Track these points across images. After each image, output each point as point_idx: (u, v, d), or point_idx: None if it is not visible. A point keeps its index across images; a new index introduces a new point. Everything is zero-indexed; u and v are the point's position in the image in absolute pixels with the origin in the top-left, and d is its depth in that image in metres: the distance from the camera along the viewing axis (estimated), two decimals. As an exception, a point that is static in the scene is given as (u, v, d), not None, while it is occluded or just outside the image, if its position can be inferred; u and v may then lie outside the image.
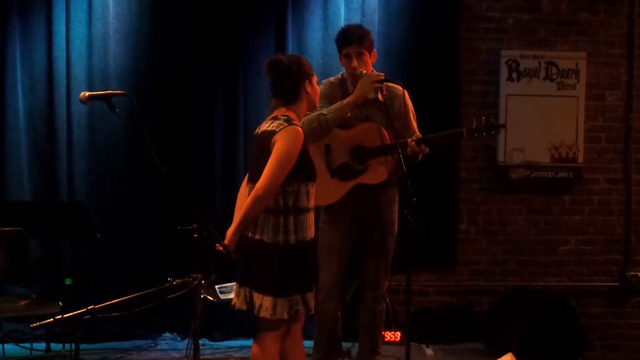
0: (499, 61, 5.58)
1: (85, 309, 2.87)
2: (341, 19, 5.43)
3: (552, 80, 5.57)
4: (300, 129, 3.40)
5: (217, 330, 5.38)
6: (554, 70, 5.56)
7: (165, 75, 5.40)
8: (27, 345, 4.88)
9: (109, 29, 5.37)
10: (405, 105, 4.21)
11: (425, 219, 5.03)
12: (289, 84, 3.47)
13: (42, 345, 4.88)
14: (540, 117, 5.56)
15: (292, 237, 3.40)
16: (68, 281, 4.80)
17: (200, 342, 5.09)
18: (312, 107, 3.66)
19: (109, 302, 2.95)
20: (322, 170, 4.08)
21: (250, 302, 3.42)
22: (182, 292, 3.27)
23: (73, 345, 3.96)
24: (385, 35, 5.53)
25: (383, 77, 4.05)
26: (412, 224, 3.75)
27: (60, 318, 2.83)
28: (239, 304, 3.47)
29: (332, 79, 4.27)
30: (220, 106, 5.45)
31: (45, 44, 5.36)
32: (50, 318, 2.70)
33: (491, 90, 5.64)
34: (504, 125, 4.80)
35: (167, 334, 5.41)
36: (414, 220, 3.75)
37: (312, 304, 3.50)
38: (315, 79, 3.56)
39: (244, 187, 3.63)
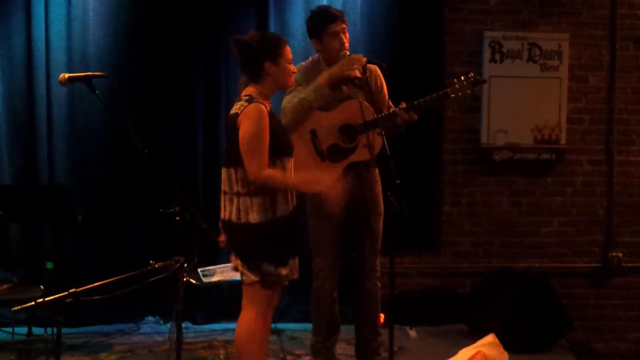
0: (482, 42, 5.56)
1: (66, 292, 2.85)
2: (323, 1, 5.39)
3: (535, 61, 5.56)
4: (261, 105, 3.40)
5: (200, 313, 5.37)
6: (537, 52, 5.56)
7: (145, 56, 5.35)
8: (9, 329, 4.83)
9: (89, 9, 5.31)
10: (381, 80, 4.20)
11: (409, 202, 5.12)
12: (249, 62, 3.48)
13: (24, 330, 4.84)
14: (523, 99, 5.55)
15: (278, 212, 3.44)
16: (49, 265, 4.75)
17: (183, 325, 5.13)
18: (281, 87, 3.62)
19: (90, 286, 2.93)
20: (312, 155, 4.06)
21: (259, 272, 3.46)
22: (164, 274, 3.25)
23: (55, 330, 3.92)
24: (367, 17, 5.51)
25: (366, 61, 4.02)
26: (396, 206, 3.75)
27: (41, 301, 2.82)
28: (248, 279, 3.49)
29: (304, 63, 4.19)
30: (201, 87, 5.42)
31: (24, 25, 5.28)
32: (31, 302, 2.69)
33: (474, 71, 5.51)
34: (485, 81, 4.71)
35: (150, 318, 5.40)
36: (397, 203, 3.75)
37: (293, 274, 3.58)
38: (285, 58, 3.50)
39: None
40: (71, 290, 2.85)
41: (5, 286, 4.30)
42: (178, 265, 3.25)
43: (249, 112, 3.38)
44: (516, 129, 5.58)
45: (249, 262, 3.45)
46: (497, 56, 5.56)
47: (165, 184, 3.42)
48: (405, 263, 5.57)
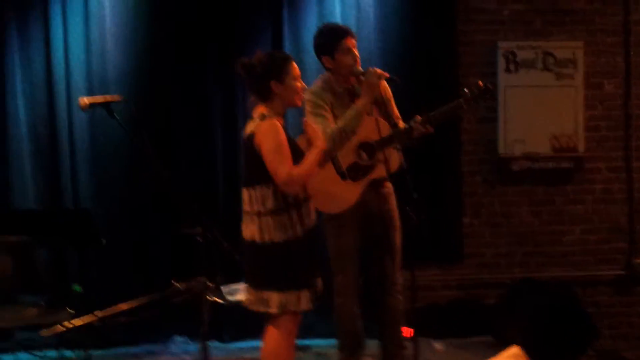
0: (496, 53, 5.59)
1: (94, 316, 2.90)
2: (337, 16, 5.44)
3: (550, 70, 5.57)
4: (275, 120, 3.42)
5: (227, 331, 5.39)
6: (552, 61, 5.57)
7: (163, 76, 5.42)
8: (40, 353, 4.87)
9: (106, 33, 5.40)
10: (387, 92, 4.21)
11: (427, 214, 5.13)
12: (255, 82, 3.51)
13: (53, 353, 4.89)
14: (539, 108, 5.56)
15: (298, 230, 3.44)
16: (77, 288, 4.81)
17: (211, 344, 5.16)
18: (290, 105, 3.58)
19: (115, 309, 2.99)
20: (332, 175, 4.07)
21: (267, 302, 3.44)
22: (187, 295, 3.30)
23: (84, 352, 4.00)
24: (381, 32, 5.54)
25: (388, 76, 4.00)
26: (415, 220, 3.76)
27: (69, 326, 2.87)
28: (256, 306, 3.49)
29: (314, 87, 4.13)
30: (220, 108, 5.48)
31: (44, 51, 5.39)
32: (59, 325, 2.74)
33: (489, 82, 5.55)
34: (494, 89, 4.73)
35: (178, 337, 5.42)
36: (416, 216, 3.76)
37: (313, 295, 3.54)
38: (290, 76, 3.50)
39: None
40: (98, 314, 2.90)
41: (33, 310, 4.35)
42: (200, 285, 3.29)
43: (264, 129, 3.41)
44: (533, 139, 5.58)
45: (269, 285, 3.45)
46: (512, 66, 5.58)
47: (186, 204, 3.47)
48: (428, 276, 5.55)
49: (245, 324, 5.33)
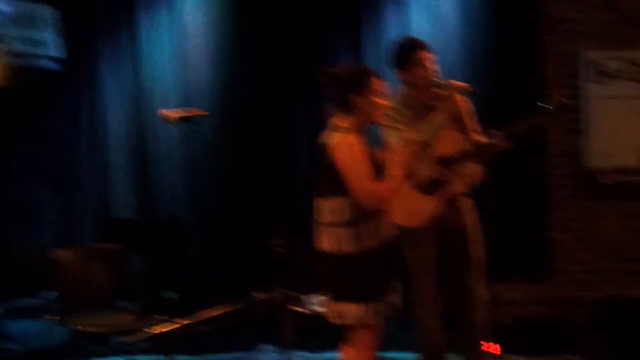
0: (581, 63, 5.50)
1: (175, 324, 3.04)
2: (417, 26, 5.48)
3: (636, 80, 5.44)
4: (345, 135, 3.40)
5: (315, 341, 5.46)
6: (638, 70, 5.44)
7: (246, 89, 5.61)
8: (134, 358, 5.06)
9: (192, 47, 5.67)
10: (467, 106, 4.18)
11: (512, 229, 5.11)
12: (335, 93, 3.49)
13: (145, 358, 5.09)
14: (627, 119, 5.43)
15: (370, 243, 3.43)
16: (171, 295, 5.02)
17: (299, 353, 5.25)
18: (369, 120, 3.55)
19: (197, 317, 3.12)
20: (409, 189, 4.06)
21: (341, 314, 3.47)
22: (267, 305, 3.37)
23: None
24: (463, 43, 5.55)
25: (468, 87, 4.01)
26: (496, 234, 3.75)
27: (158, 332, 3.03)
28: (332, 318, 3.52)
29: (391, 102, 4.02)
30: (304, 117, 5.62)
31: (134, 65, 5.72)
32: (152, 331, 2.87)
33: (574, 93, 5.53)
34: (571, 103, 4.63)
35: (267, 346, 5.53)
36: (497, 231, 3.75)
37: (390, 307, 3.55)
38: (372, 91, 3.48)
39: None
40: (181, 322, 3.03)
41: (127, 316, 4.56)
42: (280, 296, 3.35)
43: (338, 144, 3.40)
44: (621, 151, 5.45)
45: (342, 297, 3.46)
46: (597, 77, 5.48)
47: (268, 215, 3.56)
48: (516, 291, 5.47)
49: (333, 334, 5.41)
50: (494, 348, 5.02)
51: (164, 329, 3.36)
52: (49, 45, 5.57)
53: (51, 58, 5.60)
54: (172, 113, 3.64)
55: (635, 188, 5.50)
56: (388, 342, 5.25)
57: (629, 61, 5.48)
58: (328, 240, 3.47)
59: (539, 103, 4.03)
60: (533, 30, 5.59)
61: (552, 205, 5.58)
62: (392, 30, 5.53)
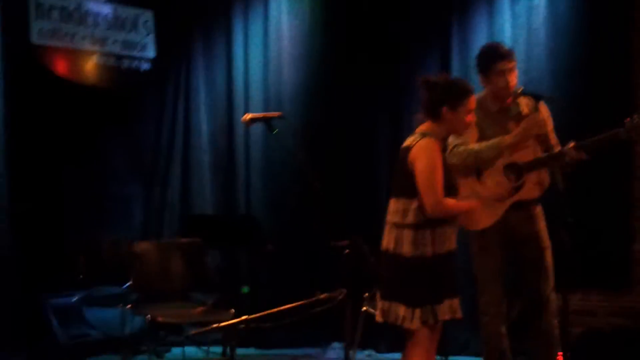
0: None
1: (238, 319, 3.14)
2: (507, 36, 5.40)
3: None
4: (433, 140, 3.45)
5: (382, 341, 5.51)
6: None
7: (333, 93, 5.67)
8: (205, 348, 5.26)
9: (283, 52, 5.78)
10: (544, 116, 4.11)
11: (593, 238, 4.99)
12: (430, 102, 3.54)
13: (218, 349, 5.26)
14: None
15: (428, 250, 3.45)
16: (245, 289, 5.15)
17: (367, 353, 5.34)
18: (454, 133, 3.67)
19: (266, 313, 3.21)
20: (476, 193, 4.09)
21: (390, 314, 3.51)
22: (328, 305, 3.44)
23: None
24: (552, 51, 5.40)
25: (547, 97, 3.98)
26: (569, 244, 3.70)
27: (227, 325, 3.14)
28: (384, 316, 3.55)
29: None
30: (385, 124, 5.67)
31: (226, 67, 5.86)
32: (222, 324, 2.98)
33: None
34: None
35: (336, 343, 5.62)
36: (570, 240, 3.70)
37: (442, 316, 3.51)
38: (465, 108, 3.51)
39: None
40: (253, 316, 3.14)
41: (200, 308, 4.71)
42: (341, 296, 3.41)
43: (422, 146, 3.45)
44: None
45: (396, 297, 3.49)
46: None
47: (336, 216, 3.62)
48: (592, 301, 5.36)
49: (401, 335, 5.43)
50: (565, 357, 4.93)
51: (233, 322, 3.45)
52: (145, 47, 5.82)
53: (146, 59, 5.84)
54: (250, 115, 3.75)
55: None
56: (461, 348, 5.27)
57: None
58: (390, 240, 3.51)
59: (628, 118, 3.91)
60: (625, 37, 5.39)
61: (636, 216, 5.40)
62: (481, 39, 5.45)
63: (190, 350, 5.33)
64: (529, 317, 4.24)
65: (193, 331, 3.08)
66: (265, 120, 3.72)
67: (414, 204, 3.46)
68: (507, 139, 3.99)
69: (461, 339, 5.29)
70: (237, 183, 5.78)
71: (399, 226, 3.50)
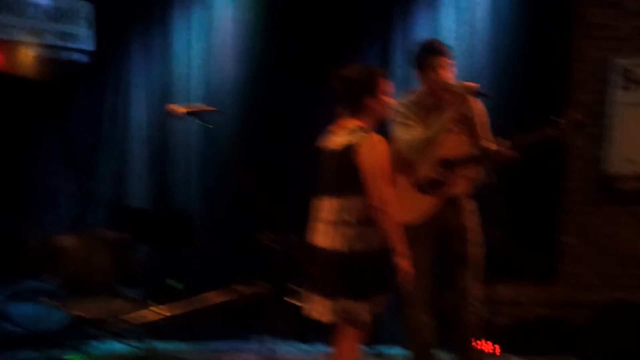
0: (611, 70, 5.38)
1: (154, 313, 3.09)
2: (450, 31, 5.41)
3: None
4: (376, 135, 3.47)
5: (309, 333, 5.44)
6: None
7: (276, 89, 5.59)
8: (128, 343, 5.11)
9: (226, 46, 5.70)
10: (480, 113, 4.20)
11: (524, 231, 5.08)
12: (348, 95, 3.54)
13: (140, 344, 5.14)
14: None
15: (377, 243, 3.48)
16: (175, 284, 5.07)
17: (292, 344, 5.28)
18: (379, 119, 3.65)
19: (189, 307, 3.16)
20: (408, 187, 4.11)
21: (338, 311, 3.53)
22: (251, 298, 3.44)
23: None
24: (493, 48, 5.45)
25: (476, 87, 4.03)
26: (499, 237, 3.76)
27: (151, 319, 3.07)
28: (326, 316, 3.57)
29: (405, 100, 4.22)
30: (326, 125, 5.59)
31: (166, 61, 5.76)
32: (146, 318, 2.91)
33: (601, 99, 5.42)
34: (586, 125, 4.51)
35: (260, 336, 5.55)
36: (502, 233, 3.75)
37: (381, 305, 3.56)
38: (383, 91, 3.55)
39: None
40: (176, 310, 3.10)
41: (121, 302, 4.58)
42: (264, 290, 3.41)
43: (372, 144, 3.44)
44: (641, 158, 5.32)
45: (339, 294, 3.51)
46: (628, 84, 5.36)
47: (264, 212, 3.59)
48: (520, 292, 5.42)
49: (328, 327, 5.42)
50: (493, 348, 5.01)
51: (156, 317, 3.40)
52: (81, 38, 5.69)
53: (82, 51, 5.71)
54: (178, 108, 3.68)
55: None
56: (386, 338, 5.27)
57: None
58: (332, 238, 3.49)
59: (552, 117, 3.99)
60: (564, 35, 5.46)
61: (567, 209, 5.48)
62: (424, 34, 5.44)
63: (113, 345, 5.24)
64: (451, 309, 4.33)
65: (125, 325, 3.01)
66: (194, 114, 3.66)
67: (359, 201, 3.45)
68: (443, 114, 4.01)
69: (386, 328, 5.30)
70: (173, 177, 5.71)
71: (345, 224, 3.48)
